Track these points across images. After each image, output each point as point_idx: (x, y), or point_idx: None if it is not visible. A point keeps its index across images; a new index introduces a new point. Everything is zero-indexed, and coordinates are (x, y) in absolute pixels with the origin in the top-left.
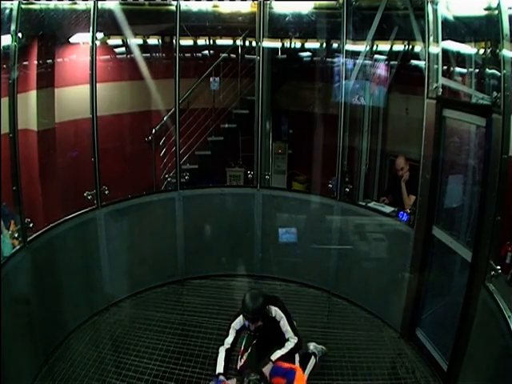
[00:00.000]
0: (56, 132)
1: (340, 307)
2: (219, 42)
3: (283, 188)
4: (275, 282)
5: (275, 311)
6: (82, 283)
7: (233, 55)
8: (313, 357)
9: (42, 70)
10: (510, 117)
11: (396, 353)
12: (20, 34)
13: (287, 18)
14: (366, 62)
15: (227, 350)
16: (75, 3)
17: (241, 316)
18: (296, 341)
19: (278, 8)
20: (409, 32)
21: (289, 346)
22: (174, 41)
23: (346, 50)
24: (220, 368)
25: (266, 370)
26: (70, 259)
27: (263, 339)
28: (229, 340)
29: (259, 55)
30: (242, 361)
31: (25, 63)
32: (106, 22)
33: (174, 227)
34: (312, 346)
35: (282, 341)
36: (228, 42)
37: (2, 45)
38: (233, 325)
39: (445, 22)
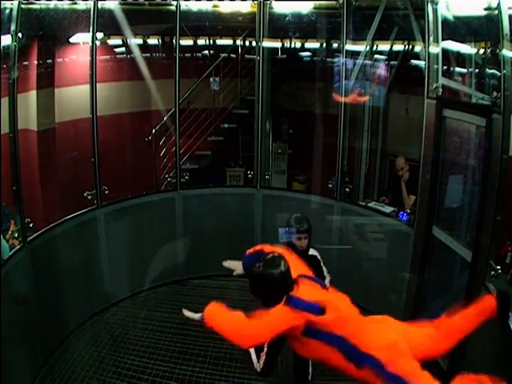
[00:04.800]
0: (56, 132)
1: None
2: (219, 41)
3: (283, 188)
4: None
5: (317, 253)
6: (81, 283)
7: (233, 55)
8: None
9: (42, 70)
10: (510, 117)
11: None
12: (20, 34)
13: (287, 18)
14: (366, 61)
15: None
16: (75, 3)
17: None
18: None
19: (278, 8)
20: (409, 32)
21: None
22: (174, 41)
23: (346, 50)
24: None
25: None
26: (70, 259)
27: None
28: None
29: (259, 55)
30: (261, 362)
31: (25, 63)
32: (105, 22)
33: (174, 227)
34: None
35: None
36: (228, 41)
37: (2, 45)
38: None
39: (445, 21)
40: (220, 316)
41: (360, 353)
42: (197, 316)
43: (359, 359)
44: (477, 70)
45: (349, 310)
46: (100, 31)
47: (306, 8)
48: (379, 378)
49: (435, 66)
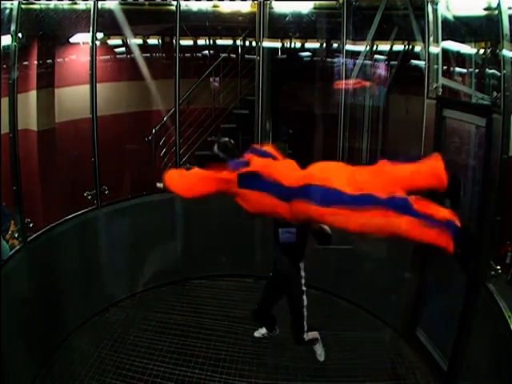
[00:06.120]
0: (56, 132)
1: (340, 307)
2: (219, 42)
3: None
4: None
5: None
6: (81, 283)
7: (233, 55)
8: None
9: (42, 70)
10: (510, 117)
11: (396, 353)
12: (20, 34)
13: (287, 18)
14: (366, 61)
15: None
16: (75, 3)
17: None
18: None
19: (278, 8)
20: (409, 32)
21: None
22: (174, 41)
23: (346, 50)
24: None
25: None
26: (70, 259)
27: None
28: None
29: (259, 55)
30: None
31: (25, 63)
32: (105, 22)
33: (174, 227)
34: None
35: None
36: (228, 42)
37: (2, 45)
38: None
39: (445, 21)
40: (174, 177)
41: (289, 188)
42: (161, 184)
43: (288, 194)
44: (477, 70)
45: (288, 165)
46: (100, 31)
47: (305, 8)
48: (311, 202)
49: (435, 66)
